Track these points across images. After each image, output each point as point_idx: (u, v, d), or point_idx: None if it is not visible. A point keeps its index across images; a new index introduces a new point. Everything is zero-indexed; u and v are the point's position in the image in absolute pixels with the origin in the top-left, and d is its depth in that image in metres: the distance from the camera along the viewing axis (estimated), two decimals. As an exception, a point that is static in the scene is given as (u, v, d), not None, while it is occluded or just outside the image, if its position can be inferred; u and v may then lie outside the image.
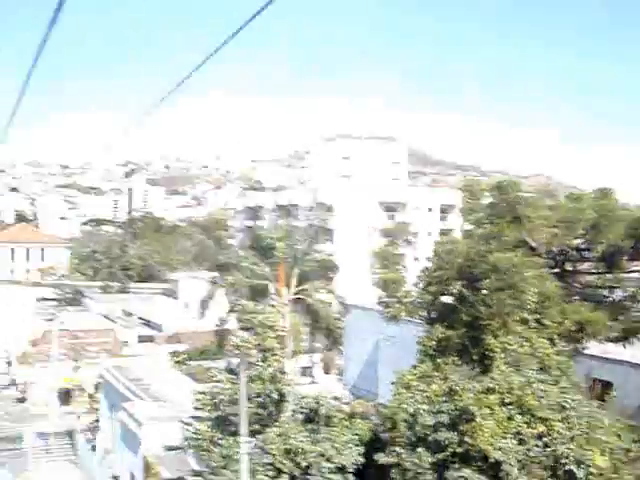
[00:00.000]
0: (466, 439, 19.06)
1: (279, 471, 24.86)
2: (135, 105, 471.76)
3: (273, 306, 28.74)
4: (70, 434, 59.15)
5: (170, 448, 31.14)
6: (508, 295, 23.06)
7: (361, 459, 25.67)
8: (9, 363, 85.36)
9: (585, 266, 31.28)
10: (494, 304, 23.08)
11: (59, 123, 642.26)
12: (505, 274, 23.02)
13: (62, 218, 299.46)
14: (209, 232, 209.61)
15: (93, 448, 54.28)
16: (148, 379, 48.77)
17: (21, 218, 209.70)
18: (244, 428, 21.89)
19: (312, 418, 26.08)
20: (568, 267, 29.38)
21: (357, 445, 26.15)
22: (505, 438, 19.15)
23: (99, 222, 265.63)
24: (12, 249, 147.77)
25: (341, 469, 25.49)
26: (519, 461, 18.78)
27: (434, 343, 25.64)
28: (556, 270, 28.92)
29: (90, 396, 65.26)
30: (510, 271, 22.97)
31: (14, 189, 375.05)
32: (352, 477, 25.68)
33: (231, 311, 27.74)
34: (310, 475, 25.16)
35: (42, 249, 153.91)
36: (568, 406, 19.91)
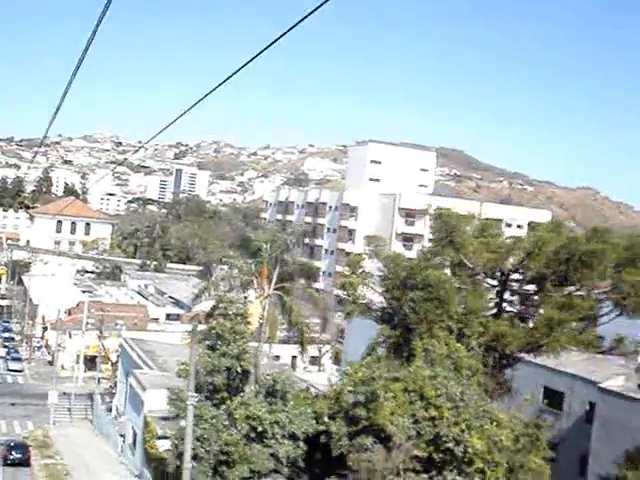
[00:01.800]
0: (370, 415, 24.38)
1: (241, 433, 30.49)
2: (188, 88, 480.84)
3: (246, 298, 34.32)
4: (90, 396, 65.59)
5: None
6: (434, 306, 28.23)
7: (311, 429, 30.99)
8: (45, 328, 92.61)
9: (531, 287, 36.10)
10: (422, 312, 28.25)
11: (116, 100, 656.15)
12: (432, 288, 28.13)
13: (110, 194, 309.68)
14: (249, 219, 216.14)
15: (108, 409, 60.85)
16: (160, 351, 54.89)
17: (71, 191, 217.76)
18: (191, 388, 27.32)
19: (272, 393, 31.60)
20: (508, 286, 34.22)
21: (311, 418, 31.53)
22: (403, 417, 24.42)
23: (145, 201, 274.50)
24: (59, 221, 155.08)
25: (292, 436, 30.95)
26: (409, 436, 23.99)
27: (380, 340, 30.93)
28: (497, 288, 33.93)
29: (112, 364, 71.83)
30: (437, 286, 28.08)
31: (67, 162, 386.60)
32: (302, 443, 31.06)
33: (217, 301, 33.18)
34: (265, 438, 30.73)
35: (88, 223, 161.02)
36: (458, 398, 25.02)
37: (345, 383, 27.37)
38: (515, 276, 34.37)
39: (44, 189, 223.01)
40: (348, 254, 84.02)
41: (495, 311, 34.05)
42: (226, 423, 30.81)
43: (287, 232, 37.46)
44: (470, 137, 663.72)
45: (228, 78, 10.18)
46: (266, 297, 34.89)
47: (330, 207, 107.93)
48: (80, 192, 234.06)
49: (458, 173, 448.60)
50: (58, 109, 13.23)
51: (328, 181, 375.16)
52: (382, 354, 30.54)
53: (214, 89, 10.76)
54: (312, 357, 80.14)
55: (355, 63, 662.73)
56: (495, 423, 26.60)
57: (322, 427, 28.18)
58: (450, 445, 24.10)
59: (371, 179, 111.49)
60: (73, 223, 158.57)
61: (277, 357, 67.57)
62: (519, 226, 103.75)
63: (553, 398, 46.39)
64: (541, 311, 32.82)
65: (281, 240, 34.97)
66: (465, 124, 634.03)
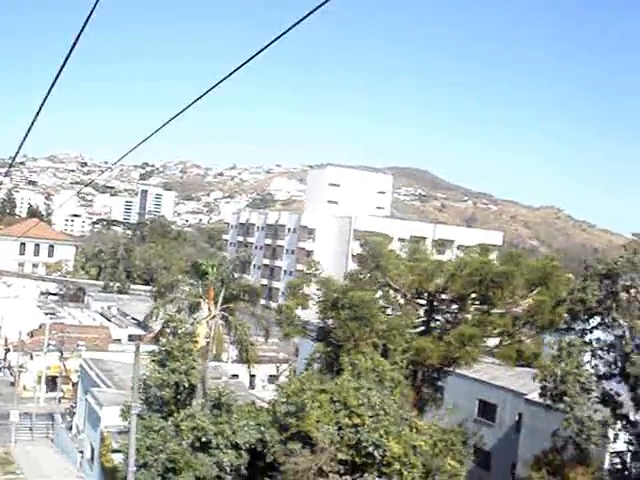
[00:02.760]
0: (299, 423, 27.26)
1: (187, 443, 33.19)
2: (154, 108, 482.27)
3: (194, 318, 37.18)
4: (51, 415, 67.49)
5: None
6: (360, 324, 31.31)
7: (252, 439, 33.74)
8: (7, 350, 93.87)
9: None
10: (349, 330, 31.29)
11: (81, 121, 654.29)
12: (358, 307, 31.21)
13: (75, 215, 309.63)
14: (214, 240, 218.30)
15: (69, 428, 62.85)
16: (118, 371, 57.25)
17: (35, 213, 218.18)
18: (135, 399, 30.10)
19: (217, 406, 34.35)
20: (435, 305, 37.46)
21: (253, 429, 34.29)
22: (328, 424, 27.32)
23: (109, 222, 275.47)
24: (22, 243, 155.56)
25: (235, 445, 33.70)
26: (332, 441, 26.87)
27: (316, 356, 33.91)
28: (425, 307, 37.17)
29: (73, 384, 73.76)
30: (361, 305, 31.17)
31: (32, 182, 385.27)
32: (245, 452, 33.80)
33: (166, 321, 35.96)
34: (210, 448, 33.45)
35: (51, 245, 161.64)
36: (378, 407, 27.99)
37: (279, 395, 30.25)
38: (443, 296, 37.60)
39: (8, 210, 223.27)
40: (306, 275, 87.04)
41: (423, 328, 37.20)
42: (173, 434, 33.47)
43: (232, 258, 40.25)
44: (436, 157, 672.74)
45: (196, 100, 9.80)
46: (212, 317, 37.70)
47: (289, 229, 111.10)
48: (44, 213, 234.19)
49: (423, 193, 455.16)
50: (28, 132, 13.38)
51: (294, 201, 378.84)
52: (316, 369, 33.51)
53: (181, 112, 10.35)
54: (271, 375, 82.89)
55: (322, 83, 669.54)
56: (414, 430, 29.64)
57: (260, 436, 30.97)
58: (370, 449, 26.99)
59: (330, 201, 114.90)
60: (37, 245, 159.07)
61: (236, 376, 69.86)
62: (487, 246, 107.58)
63: (487, 410, 49.73)
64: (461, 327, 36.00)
65: (227, 264, 37.88)
66: (431, 144, 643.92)
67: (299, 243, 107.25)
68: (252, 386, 74.66)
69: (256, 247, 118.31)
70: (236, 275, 40.02)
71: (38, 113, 12.12)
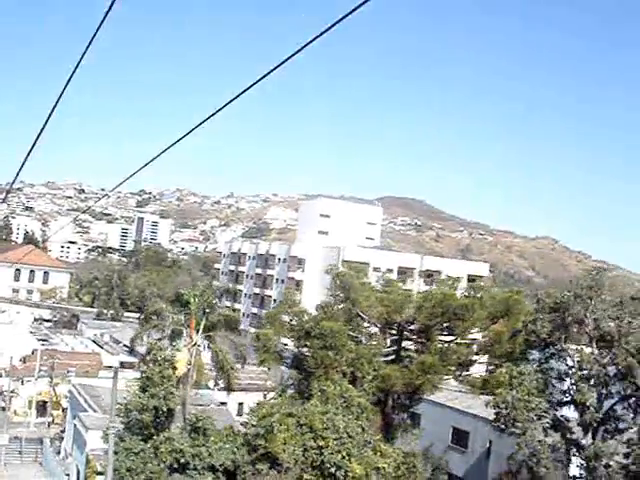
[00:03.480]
0: (267, 444, 29.16)
1: (165, 464, 34.99)
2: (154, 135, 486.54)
3: (173, 346, 39.12)
4: (41, 440, 68.98)
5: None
6: (329, 352, 33.30)
7: (229, 462, 35.55)
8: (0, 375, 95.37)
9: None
10: (319, 358, 33.27)
11: (80, 148, 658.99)
12: (327, 337, 33.22)
13: (71, 242, 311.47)
14: (208, 269, 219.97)
15: (57, 452, 64.38)
16: (106, 396, 58.91)
17: (31, 239, 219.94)
18: (113, 419, 31.98)
19: (195, 429, 36.18)
20: (404, 335, 39.47)
21: (229, 452, 36.09)
22: (294, 446, 29.22)
23: (105, 250, 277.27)
24: (18, 269, 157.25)
25: (212, 467, 35.49)
26: (297, 462, 28.73)
27: (289, 383, 35.84)
28: (395, 337, 39.17)
29: (63, 409, 75.30)
30: (331, 335, 33.18)
31: (28, 208, 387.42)
32: (221, 474, 35.58)
33: (149, 348, 37.90)
34: (188, 469, 35.25)
35: (46, 272, 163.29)
36: (342, 430, 29.89)
37: (250, 419, 32.17)
38: (412, 326, 39.64)
39: (4, 236, 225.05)
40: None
41: (393, 357, 39.18)
42: (152, 456, 35.26)
43: (214, 288, 42.26)
44: (433, 187, 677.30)
45: (193, 129, 9.74)
46: (193, 345, 39.64)
47: (279, 259, 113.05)
48: (40, 240, 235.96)
49: (419, 223, 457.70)
50: (27, 158, 13.15)
51: (289, 230, 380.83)
52: (289, 395, 35.45)
53: (179, 140, 10.23)
54: (258, 403, 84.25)
55: (321, 113, 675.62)
56: (378, 452, 31.54)
57: (232, 457, 32.83)
58: (332, 470, 28.87)
59: (320, 232, 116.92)
60: (32, 271, 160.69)
61: (224, 403, 71.36)
62: (458, 278, 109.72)
63: (460, 437, 51.44)
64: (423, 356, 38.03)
65: (208, 295, 39.90)
66: (428, 174, 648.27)
67: (289, 273, 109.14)
68: (239, 413, 76.06)
69: (247, 276, 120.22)
70: (228, 304, 42.04)
71: (37, 139, 12.28)
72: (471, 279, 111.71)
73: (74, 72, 9.43)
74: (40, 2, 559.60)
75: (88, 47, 8.54)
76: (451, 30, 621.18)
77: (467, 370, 38.22)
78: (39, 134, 12.04)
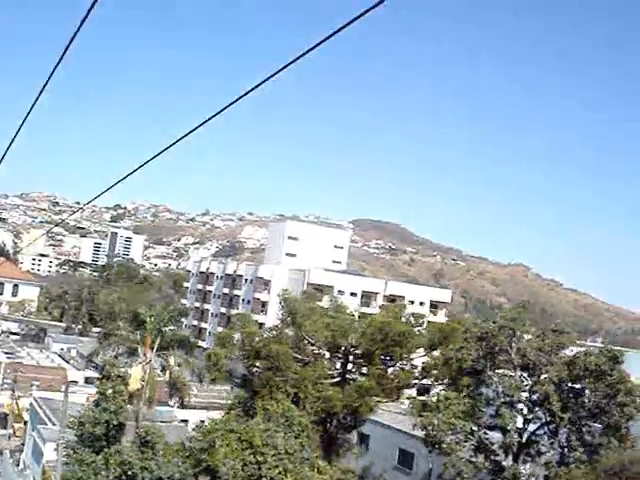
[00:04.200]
0: (208, 458, 31.15)
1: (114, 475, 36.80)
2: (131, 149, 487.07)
3: (126, 362, 41.08)
4: (0, 452, 70.01)
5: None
6: (274, 373, 35.42)
7: (177, 475, 37.38)
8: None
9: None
10: (264, 378, 35.37)
11: (55, 160, 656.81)
12: (273, 359, 35.34)
13: (43, 255, 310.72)
14: (179, 286, 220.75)
15: (17, 464, 65.56)
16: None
17: (1, 251, 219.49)
18: (62, 431, 33.81)
19: (144, 443, 38.04)
20: (349, 359, 41.69)
21: (177, 465, 37.92)
22: (234, 460, 31.22)
23: (76, 264, 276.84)
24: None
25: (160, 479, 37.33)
26: (236, 476, 30.71)
27: (237, 401, 37.85)
28: (341, 360, 41.40)
29: (24, 422, 76.34)
30: (276, 357, 35.30)
31: (1, 219, 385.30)
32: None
33: (104, 364, 39.78)
34: (136, 482, 37.04)
35: (16, 285, 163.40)
36: (281, 447, 31.94)
37: (196, 434, 34.14)
38: (357, 350, 41.89)
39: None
40: (261, 325, 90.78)
41: (339, 379, 41.36)
42: (103, 467, 37.08)
43: (169, 310, 44.25)
44: (408, 211, 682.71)
45: (170, 146, 9.46)
46: (147, 363, 41.57)
47: (246, 280, 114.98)
48: (12, 251, 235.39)
49: (393, 246, 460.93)
50: None
51: (263, 250, 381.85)
52: (236, 412, 37.47)
53: (155, 156, 9.95)
54: (202, 420, 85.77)
55: (298, 133, 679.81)
56: (316, 469, 33.63)
57: (177, 470, 34.74)
58: (272, 484, 30.95)
59: (288, 254, 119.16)
60: (1, 284, 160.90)
61: (185, 421, 72.84)
62: (421, 303, 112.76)
63: (406, 458, 53.55)
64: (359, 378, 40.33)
65: (164, 315, 41.91)
66: (404, 198, 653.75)
67: (255, 294, 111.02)
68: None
69: (214, 296, 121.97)
70: (195, 322, 43.95)
71: (7, 150, 12.10)
72: (433, 305, 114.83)
73: (47, 82, 9.32)
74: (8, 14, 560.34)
75: (62, 58, 8.39)
76: (414, 60, 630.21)
77: (404, 393, 40.44)
78: (9, 145, 12.13)
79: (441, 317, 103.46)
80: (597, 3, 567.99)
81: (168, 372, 41.65)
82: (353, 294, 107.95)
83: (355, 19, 6.10)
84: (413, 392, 42.56)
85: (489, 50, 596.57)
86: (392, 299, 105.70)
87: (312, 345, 39.79)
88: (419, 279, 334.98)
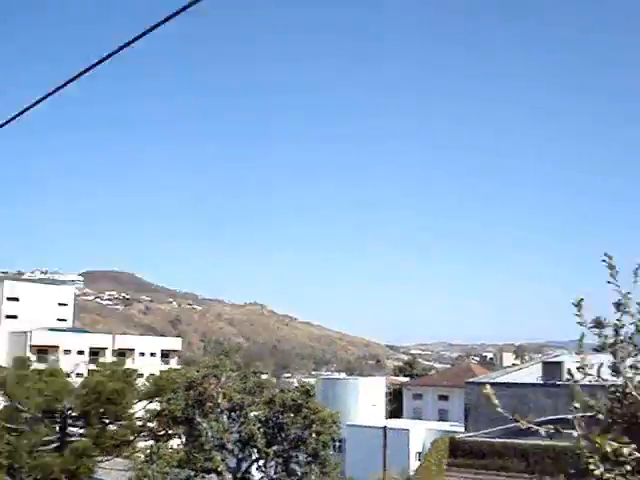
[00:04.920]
0: None
1: None
2: None
3: None
4: None
5: None
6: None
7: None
8: None
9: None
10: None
11: None
12: None
13: None
14: None
15: None
16: None
17: None
18: None
19: None
20: (67, 423, 41.88)
21: None
22: None
23: None
24: None
25: None
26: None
27: None
28: (59, 425, 41.45)
29: None
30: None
31: None
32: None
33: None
34: None
35: None
36: None
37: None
38: (74, 413, 42.14)
39: None
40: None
41: (58, 444, 41.26)
42: None
43: None
44: (141, 260, 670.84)
45: None
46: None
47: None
48: None
49: (127, 296, 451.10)
50: None
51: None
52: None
53: None
54: None
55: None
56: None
57: None
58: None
59: (8, 316, 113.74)
60: None
61: None
62: (152, 354, 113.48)
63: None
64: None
65: None
66: (134, 247, 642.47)
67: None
68: None
69: None
70: None
71: None
72: (164, 354, 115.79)
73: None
74: None
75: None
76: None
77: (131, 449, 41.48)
78: None
79: (174, 365, 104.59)
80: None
81: None
82: (80, 352, 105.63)
83: None
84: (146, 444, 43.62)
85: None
86: (122, 353, 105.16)
87: (26, 412, 39.39)
88: (156, 327, 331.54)
